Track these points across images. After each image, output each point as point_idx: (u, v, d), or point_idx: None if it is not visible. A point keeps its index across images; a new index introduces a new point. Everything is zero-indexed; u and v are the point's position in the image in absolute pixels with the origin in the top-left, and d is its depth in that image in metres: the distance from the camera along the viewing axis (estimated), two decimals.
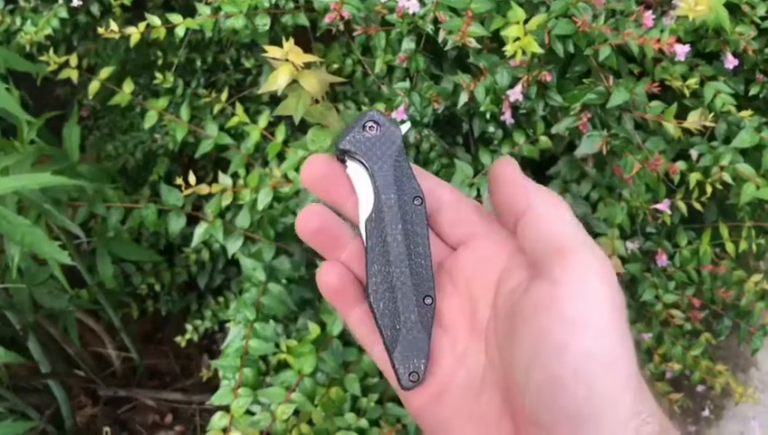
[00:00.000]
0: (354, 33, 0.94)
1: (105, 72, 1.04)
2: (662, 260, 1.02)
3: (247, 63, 1.29)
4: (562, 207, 0.38)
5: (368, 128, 0.41)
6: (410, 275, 0.40)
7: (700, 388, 1.52)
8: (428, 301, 0.41)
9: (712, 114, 0.90)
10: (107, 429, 1.38)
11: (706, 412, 1.51)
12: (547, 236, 0.37)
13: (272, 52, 0.66)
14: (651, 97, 0.91)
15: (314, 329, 0.94)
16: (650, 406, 0.34)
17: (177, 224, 1.07)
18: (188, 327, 1.28)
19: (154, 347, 1.50)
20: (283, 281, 1.04)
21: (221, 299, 1.31)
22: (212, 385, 0.95)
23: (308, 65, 0.68)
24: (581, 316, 0.34)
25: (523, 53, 0.82)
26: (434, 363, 0.41)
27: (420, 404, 0.41)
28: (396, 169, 0.41)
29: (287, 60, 0.66)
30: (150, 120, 1.06)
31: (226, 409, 0.88)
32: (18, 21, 1.16)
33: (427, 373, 0.40)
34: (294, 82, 0.68)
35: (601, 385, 0.33)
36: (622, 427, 0.33)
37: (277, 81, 0.66)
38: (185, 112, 1.06)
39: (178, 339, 1.27)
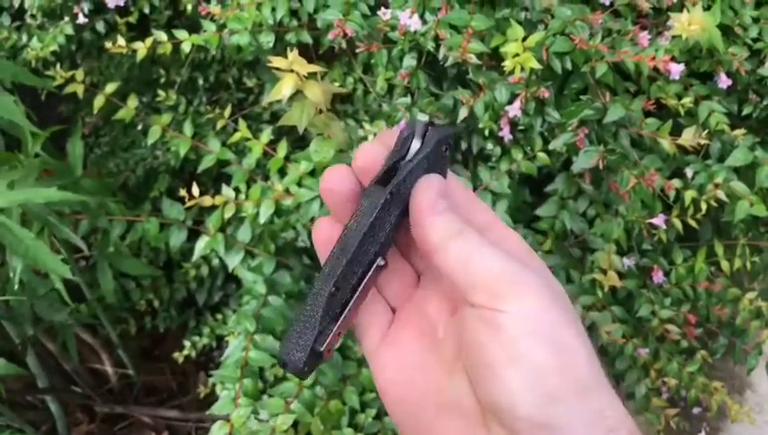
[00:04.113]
0: (357, 51, 0.96)
1: (110, 87, 1.06)
2: (658, 277, 1.03)
3: (249, 82, 1.31)
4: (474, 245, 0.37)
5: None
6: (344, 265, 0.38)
7: (696, 410, 1.52)
8: (334, 291, 0.38)
9: (706, 132, 0.92)
10: None
11: (702, 434, 1.51)
12: (468, 282, 0.36)
13: (276, 62, 0.68)
14: (647, 114, 0.93)
15: None
16: (617, 411, 0.34)
17: (178, 238, 1.08)
18: (186, 343, 1.28)
19: (151, 364, 1.50)
20: (283, 296, 1.05)
21: (219, 316, 1.31)
22: (209, 402, 0.95)
23: (311, 76, 0.70)
24: (524, 330, 0.34)
25: (522, 69, 0.84)
26: (395, 336, 0.41)
27: (387, 378, 0.41)
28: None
29: (291, 70, 0.68)
30: (154, 135, 1.07)
31: (226, 419, 0.89)
32: (24, 37, 1.18)
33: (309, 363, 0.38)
34: (299, 92, 0.70)
35: (556, 392, 0.33)
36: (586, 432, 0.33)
37: (282, 90, 0.67)
38: (188, 128, 1.08)
39: (176, 355, 1.27)
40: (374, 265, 0.39)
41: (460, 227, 0.37)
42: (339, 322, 0.38)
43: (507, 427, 0.34)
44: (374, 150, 0.40)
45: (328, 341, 0.38)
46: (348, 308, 0.39)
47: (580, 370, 0.34)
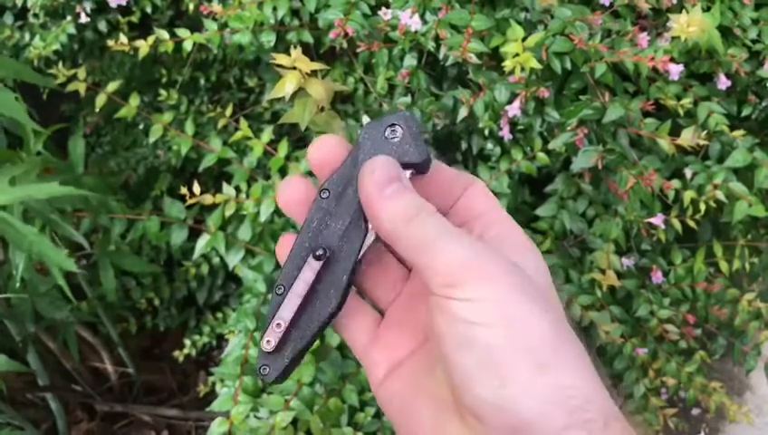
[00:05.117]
0: (358, 50, 0.96)
1: (112, 86, 1.06)
2: (657, 277, 1.03)
3: (250, 82, 1.32)
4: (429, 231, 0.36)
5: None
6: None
7: (695, 411, 1.52)
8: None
9: (705, 132, 0.92)
10: None
11: None
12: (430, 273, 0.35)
13: (279, 59, 0.68)
14: (646, 115, 0.93)
15: None
16: (587, 391, 0.32)
17: (179, 236, 1.08)
18: (186, 342, 1.28)
19: (151, 363, 1.50)
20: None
21: (219, 315, 1.31)
22: (209, 401, 0.95)
23: (313, 74, 0.70)
24: (474, 317, 0.33)
25: (522, 69, 0.85)
26: (385, 335, 0.41)
27: (378, 377, 0.40)
28: None
29: (294, 68, 0.68)
30: (155, 133, 1.07)
31: (225, 416, 0.89)
32: (27, 36, 1.19)
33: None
34: (300, 90, 0.70)
35: (508, 372, 0.32)
36: (547, 412, 0.31)
37: (284, 87, 0.68)
38: (189, 127, 1.08)
39: (176, 354, 1.27)
40: (307, 259, 0.39)
41: (413, 212, 0.36)
42: (275, 314, 0.39)
43: (472, 413, 0.33)
44: (328, 143, 0.40)
45: (265, 332, 0.39)
46: (283, 300, 0.39)
47: (536, 347, 0.32)
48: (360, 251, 0.39)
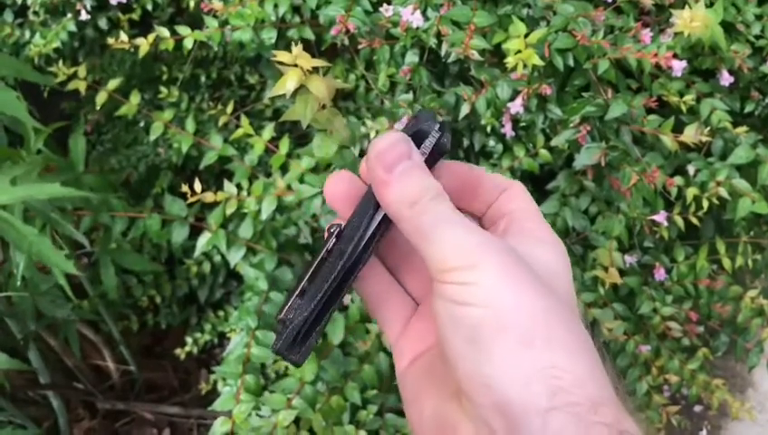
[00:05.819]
0: (359, 47, 0.96)
1: (113, 84, 1.06)
2: (660, 274, 1.03)
3: (251, 80, 1.31)
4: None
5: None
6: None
7: (698, 408, 1.52)
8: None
9: (708, 129, 0.92)
10: None
11: (704, 433, 1.51)
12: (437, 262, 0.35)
13: (281, 56, 0.68)
14: (649, 111, 0.93)
15: None
16: (578, 375, 0.31)
17: (180, 234, 1.08)
18: (188, 340, 1.28)
19: (153, 360, 1.50)
20: (285, 292, 1.05)
21: (221, 313, 1.31)
22: (210, 399, 0.95)
23: (315, 71, 0.70)
24: (464, 299, 0.33)
25: (524, 65, 0.84)
26: (415, 327, 0.42)
27: (402, 368, 0.41)
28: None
29: (296, 65, 0.68)
30: (156, 131, 1.07)
31: (227, 415, 0.89)
32: (27, 34, 1.19)
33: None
34: (302, 87, 0.70)
35: (490, 348, 0.32)
36: (524, 389, 0.31)
37: (286, 85, 0.68)
38: (190, 124, 1.08)
39: (178, 351, 1.27)
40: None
41: (417, 195, 0.36)
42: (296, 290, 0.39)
43: (464, 393, 0.33)
44: (345, 177, 0.41)
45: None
46: (305, 279, 0.39)
47: (524, 327, 0.32)
48: (368, 225, 0.39)
